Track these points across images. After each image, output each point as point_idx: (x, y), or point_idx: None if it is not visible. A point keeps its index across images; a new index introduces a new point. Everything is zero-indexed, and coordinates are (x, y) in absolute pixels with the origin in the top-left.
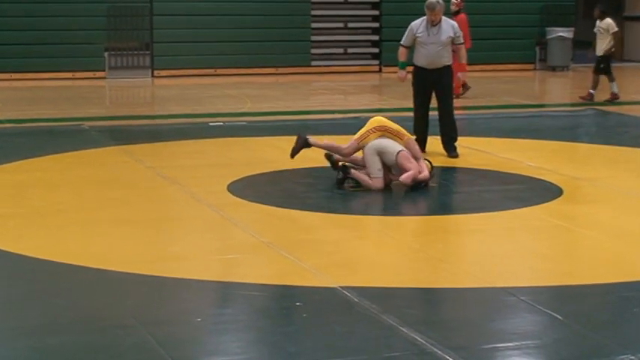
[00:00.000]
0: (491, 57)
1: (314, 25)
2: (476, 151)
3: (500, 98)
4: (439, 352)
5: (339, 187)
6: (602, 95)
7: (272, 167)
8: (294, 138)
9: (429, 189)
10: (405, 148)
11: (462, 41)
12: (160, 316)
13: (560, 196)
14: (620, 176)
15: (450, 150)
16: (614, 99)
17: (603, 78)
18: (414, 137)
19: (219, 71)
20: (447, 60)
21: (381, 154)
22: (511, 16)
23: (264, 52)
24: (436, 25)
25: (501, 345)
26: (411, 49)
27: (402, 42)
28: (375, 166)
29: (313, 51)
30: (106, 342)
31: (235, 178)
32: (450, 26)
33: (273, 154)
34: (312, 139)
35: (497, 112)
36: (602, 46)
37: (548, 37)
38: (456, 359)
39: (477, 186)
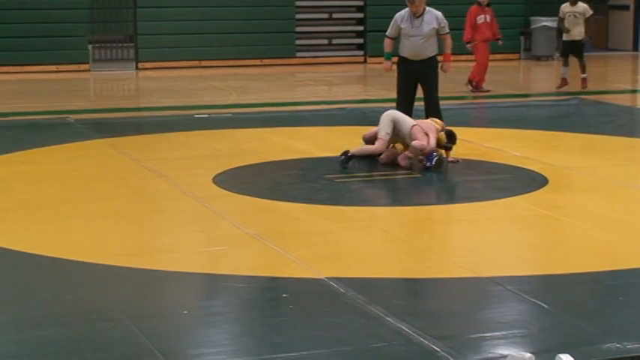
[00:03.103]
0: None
1: (298, 16)
2: (461, 141)
3: (486, 88)
4: (425, 342)
5: (344, 169)
6: (576, 83)
7: (258, 159)
8: (278, 129)
9: (421, 176)
10: (419, 124)
11: (448, 31)
12: (147, 309)
13: (545, 185)
14: (606, 165)
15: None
16: (563, 85)
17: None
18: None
19: (203, 63)
20: (431, 51)
21: (396, 122)
22: (496, 5)
23: (249, 43)
24: (419, 16)
25: (488, 334)
26: (396, 39)
27: (387, 33)
28: (385, 129)
29: (298, 42)
30: (93, 335)
31: (221, 170)
32: (433, 17)
33: (258, 145)
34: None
35: (483, 101)
36: (580, 29)
37: (533, 26)
38: (442, 349)
39: (462, 176)
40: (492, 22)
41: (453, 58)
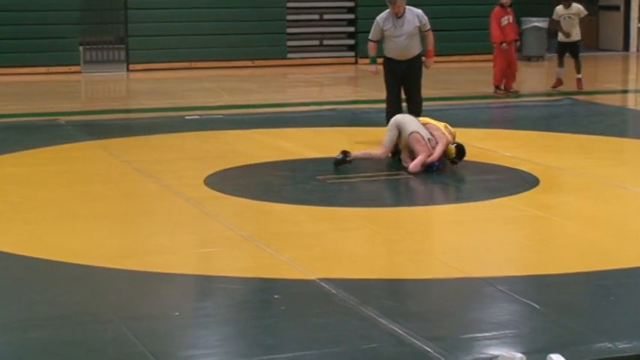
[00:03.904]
0: (467, 47)
1: (289, 17)
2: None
3: (476, 89)
4: (418, 342)
5: (336, 167)
6: (570, 83)
7: (249, 160)
8: (269, 131)
9: (413, 177)
10: (421, 132)
11: (429, 28)
12: (139, 311)
13: (536, 185)
14: (596, 165)
15: None
16: (559, 84)
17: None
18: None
19: (194, 64)
20: (416, 49)
21: (400, 128)
22: (485, 6)
23: (240, 45)
24: (401, 16)
25: (479, 335)
26: (380, 42)
27: (370, 37)
28: (390, 138)
29: (289, 43)
30: (85, 337)
31: (212, 172)
32: (414, 15)
33: (249, 147)
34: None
35: (473, 102)
36: (577, 30)
37: (524, 27)
38: (434, 350)
39: (454, 176)
40: (514, 23)
41: (434, 56)
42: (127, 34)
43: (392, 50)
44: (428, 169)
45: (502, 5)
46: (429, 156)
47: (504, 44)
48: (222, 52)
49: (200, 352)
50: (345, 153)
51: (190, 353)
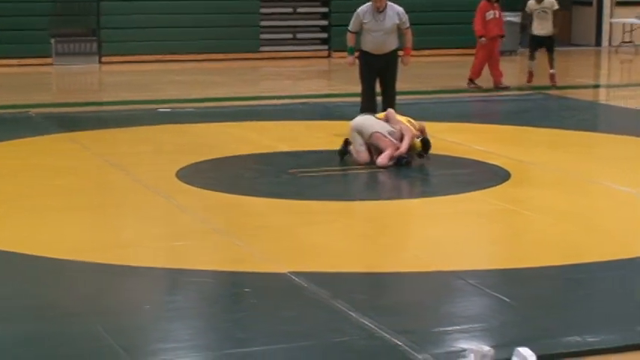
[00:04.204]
0: (440, 41)
1: (263, 10)
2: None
3: (448, 82)
4: (388, 336)
5: (341, 158)
6: (543, 78)
7: (221, 153)
8: (242, 124)
9: (385, 171)
10: (380, 130)
11: (408, 26)
12: (109, 304)
13: (507, 179)
14: (567, 159)
15: None
16: (532, 77)
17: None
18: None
19: (167, 57)
20: (393, 45)
21: (360, 132)
22: (458, 1)
23: (213, 37)
24: (382, 11)
25: (450, 328)
26: (358, 34)
27: (349, 27)
28: (358, 142)
29: (262, 36)
30: (55, 330)
31: (184, 165)
32: (395, 13)
33: (222, 140)
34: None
35: (446, 96)
36: (550, 25)
37: None
38: (404, 343)
39: (426, 170)
40: (501, 19)
41: (413, 52)
42: (99, 27)
43: (369, 44)
44: (398, 162)
45: (488, 0)
46: (397, 149)
47: (483, 39)
48: (195, 44)
49: (170, 346)
50: (347, 142)
51: (160, 347)
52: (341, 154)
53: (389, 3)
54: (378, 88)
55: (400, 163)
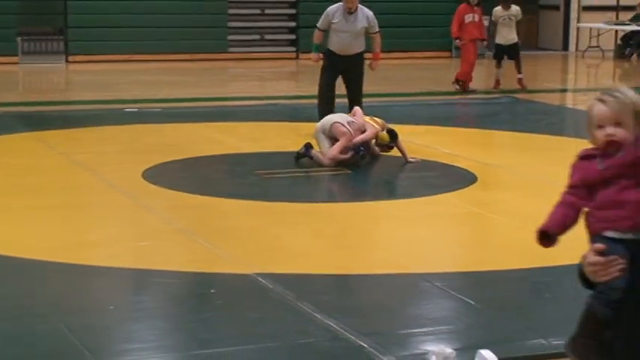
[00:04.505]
0: (409, 44)
1: (231, 11)
2: None
3: (417, 85)
4: (353, 337)
5: (296, 161)
6: (511, 82)
7: (187, 154)
8: (209, 124)
9: (352, 173)
10: (339, 120)
11: (377, 30)
12: (74, 304)
13: (474, 182)
14: (533, 163)
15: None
16: (498, 85)
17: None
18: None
19: (134, 57)
20: (358, 48)
21: (323, 129)
22: (428, 3)
23: (181, 38)
24: (352, 13)
25: (415, 330)
26: (326, 32)
27: (317, 25)
28: (325, 145)
29: (230, 37)
30: (19, 330)
31: (150, 165)
32: (365, 16)
33: (188, 140)
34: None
35: (414, 99)
36: (514, 32)
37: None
38: (369, 345)
39: (392, 172)
40: (481, 22)
41: (382, 55)
42: (67, 26)
43: (335, 44)
44: (355, 152)
45: (468, 2)
46: (350, 139)
47: (458, 40)
48: (162, 45)
49: (135, 347)
50: (307, 147)
51: (125, 347)
52: (297, 157)
53: (360, 6)
54: (340, 90)
55: (357, 154)
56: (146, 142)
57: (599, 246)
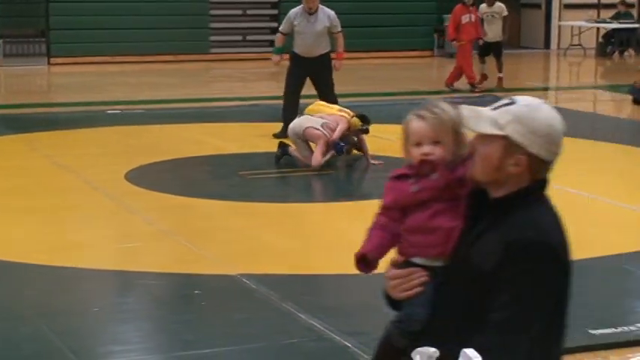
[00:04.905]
0: (391, 44)
1: (212, 12)
2: (374, 138)
3: (399, 85)
4: (337, 337)
5: (276, 162)
6: (492, 81)
7: (170, 155)
8: (191, 125)
9: (334, 173)
10: (311, 125)
11: (339, 30)
12: (58, 306)
13: None
14: None
15: None
16: (484, 79)
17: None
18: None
19: (116, 59)
20: (323, 48)
21: (297, 134)
22: (409, 3)
23: (163, 39)
24: (313, 13)
25: None
26: (289, 36)
27: (280, 28)
28: (302, 147)
29: (212, 38)
30: (3, 333)
31: (133, 167)
32: (326, 16)
33: (171, 142)
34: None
35: (396, 98)
36: (498, 30)
37: (446, 24)
38: (354, 345)
39: (374, 172)
40: (477, 21)
41: (346, 55)
42: (48, 28)
43: (299, 46)
44: (336, 150)
45: (464, 3)
46: (327, 141)
47: (455, 42)
48: (144, 46)
49: (119, 348)
50: (283, 147)
51: (109, 349)
52: (277, 159)
53: (321, 6)
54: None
55: (339, 151)
56: (129, 143)
57: (399, 257)
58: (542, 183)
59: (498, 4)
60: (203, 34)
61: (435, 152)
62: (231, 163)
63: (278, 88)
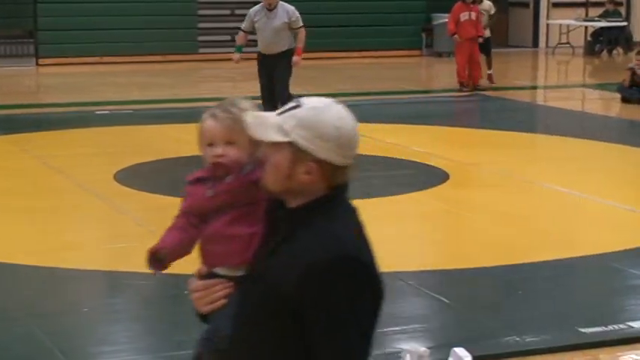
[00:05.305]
0: (379, 43)
1: (201, 12)
2: (362, 137)
3: (388, 84)
4: None
5: None
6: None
7: (160, 155)
8: (180, 126)
9: None
10: None
11: (300, 25)
12: (47, 307)
13: (446, 180)
14: (504, 160)
15: None
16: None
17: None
18: None
19: (105, 59)
20: (283, 45)
21: None
22: (398, 2)
23: (152, 39)
24: (272, 10)
25: (388, 329)
26: (251, 33)
27: (242, 26)
28: None
29: (200, 38)
30: None
31: (122, 167)
32: (285, 11)
33: (160, 142)
34: None
35: (384, 98)
36: (487, 28)
37: (434, 23)
38: None
39: (363, 172)
40: (478, 20)
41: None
42: (36, 28)
43: (260, 43)
44: None
45: (464, 1)
46: None
47: (455, 36)
48: (133, 46)
49: (109, 349)
50: None
51: (99, 350)
52: None
53: (281, 2)
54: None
55: None
56: (118, 144)
57: (202, 268)
58: (341, 189)
59: (486, 1)
60: (191, 34)
61: (229, 154)
62: None
63: None
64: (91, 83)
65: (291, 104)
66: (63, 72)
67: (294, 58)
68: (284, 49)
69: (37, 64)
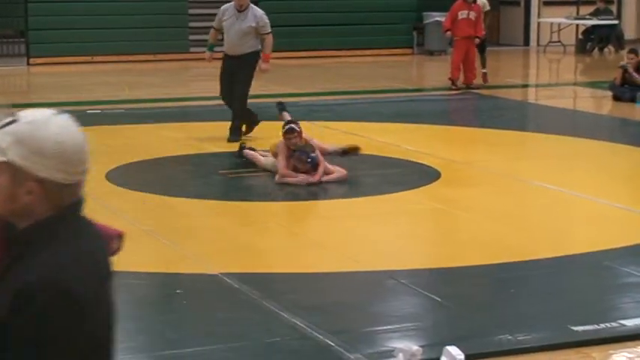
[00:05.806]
0: (370, 42)
1: (191, 11)
2: (354, 136)
3: (379, 83)
4: (320, 336)
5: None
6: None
7: (151, 154)
8: (171, 125)
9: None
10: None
11: (268, 31)
12: None
13: (438, 179)
14: (496, 159)
15: (231, 134)
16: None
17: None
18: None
19: (96, 58)
20: (247, 48)
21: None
22: (389, 1)
23: (142, 38)
24: (243, 11)
25: (381, 328)
26: (221, 31)
27: (213, 24)
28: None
29: (191, 37)
30: None
31: (114, 166)
32: (254, 15)
33: (152, 141)
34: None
35: (376, 96)
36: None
37: (426, 21)
38: (336, 343)
39: (356, 170)
40: (478, 20)
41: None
42: (27, 28)
43: (225, 43)
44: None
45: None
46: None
47: (448, 32)
48: (123, 45)
49: None
50: (242, 147)
51: None
52: (236, 156)
53: (251, 5)
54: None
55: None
56: (109, 143)
57: None
58: (72, 209)
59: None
60: (182, 34)
61: None
62: (211, 163)
63: (258, 87)
64: (82, 82)
65: (7, 119)
66: (54, 71)
67: (263, 65)
68: (247, 51)
69: (28, 63)
